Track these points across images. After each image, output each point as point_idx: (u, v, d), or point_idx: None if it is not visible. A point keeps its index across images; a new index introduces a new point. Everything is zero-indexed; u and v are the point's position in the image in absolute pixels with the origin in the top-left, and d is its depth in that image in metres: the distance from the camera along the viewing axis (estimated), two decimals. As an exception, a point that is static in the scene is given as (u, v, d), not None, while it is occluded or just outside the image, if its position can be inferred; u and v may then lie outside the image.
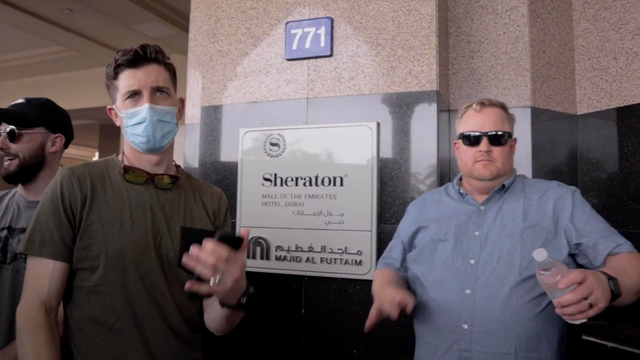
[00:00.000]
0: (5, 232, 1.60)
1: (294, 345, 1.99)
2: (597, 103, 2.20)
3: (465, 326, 1.38)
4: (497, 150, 1.47)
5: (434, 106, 1.91)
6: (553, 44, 2.24)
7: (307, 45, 2.12)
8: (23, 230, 1.57)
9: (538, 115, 2.11)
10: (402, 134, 1.95)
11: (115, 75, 1.29)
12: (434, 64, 1.93)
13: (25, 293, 1.25)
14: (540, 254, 1.09)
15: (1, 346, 1.50)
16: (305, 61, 2.13)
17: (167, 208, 1.31)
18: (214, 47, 2.31)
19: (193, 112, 2.50)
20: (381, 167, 1.96)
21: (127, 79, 1.27)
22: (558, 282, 1.07)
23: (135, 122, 1.27)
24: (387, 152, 1.96)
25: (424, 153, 1.92)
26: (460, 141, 1.54)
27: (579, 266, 1.40)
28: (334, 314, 1.95)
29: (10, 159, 1.61)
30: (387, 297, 1.36)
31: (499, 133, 1.47)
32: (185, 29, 2.54)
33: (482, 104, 1.52)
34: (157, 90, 1.29)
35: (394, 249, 1.64)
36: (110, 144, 14.66)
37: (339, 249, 1.94)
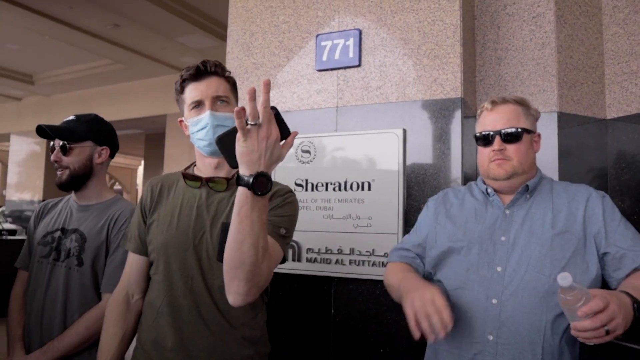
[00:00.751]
0: (59, 233, 1.76)
1: (324, 343, 2.07)
2: (627, 107, 2.20)
3: (491, 337, 1.32)
4: (511, 148, 1.41)
5: (459, 113, 1.96)
6: (581, 49, 2.25)
7: (337, 57, 2.21)
8: (74, 230, 1.74)
9: (566, 120, 2.13)
10: (427, 140, 2.01)
11: (182, 90, 1.45)
12: (458, 72, 1.99)
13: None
14: (565, 279, 1.05)
15: (57, 335, 1.66)
16: (335, 72, 2.23)
17: (215, 207, 1.42)
18: (249, 60, 2.44)
19: (230, 122, 2.63)
20: (407, 172, 2.03)
21: (191, 91, 1.43)
22: (578, 308, 1.05)
23: (198, 128, 1.41)
24: (413, 158, 2.03)
25: (449, 158, 1.97)
26: (477, 143, 1.50)
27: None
28: (362, 314, 2.02)
29: (62, 170, 1.78)
30: (425, 299, 1.22)
31: (512, 130, 1.41)
32: (226, 40, 2.67)
33: (494, 102, 1.47)
34: (217, 99, 1.42)
35: (410, 241, 1.58)
36: (155, 151, 15.16)
37: (367, 251, 2.01)
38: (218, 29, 8.84)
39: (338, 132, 2.18)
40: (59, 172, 1.79)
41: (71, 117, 1.85)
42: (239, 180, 1.05)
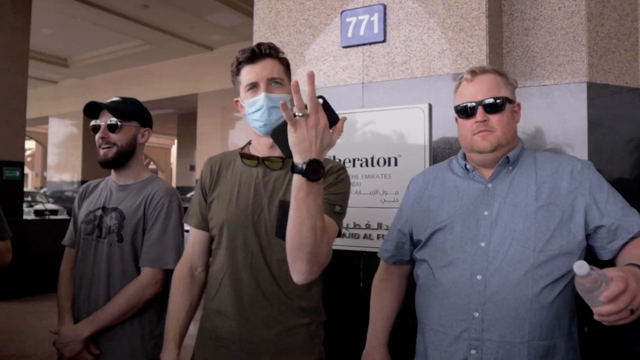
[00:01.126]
0: (100, 212, 1.86)
1: (354, 316, 2.14)
2: (662, 75, 2.15)
3: (476, 314, 1.31)
4: (495, 119, 1.38)
5: (485, 86, 1.95)
6: (613, 16, 2.19)
7: (362, 33, 2.22)
8: (114, 209, 1.84)
9: (596, 90, 2.10)
10: (453, 114, 2.01)
11: (238, 72, 1.53)
12: (484, 45, 1.97)
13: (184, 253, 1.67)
14: (581, 267, 1.01)
15: (102, 306, 1.77)
16: (360, 48, 2.24)
17: (272, 185, 1.50)
18: (275, 39, 2.46)
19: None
20: (433, 147, 2.04)
21: (247, 74, 1.50)
22: (599, 294, 1.02)
23: (254, 109, 1.49)
24: (439, 133, 2.04)
25: (475, 132, 1.97)
26: (457, 115, 1.47)
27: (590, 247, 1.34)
28: (390, 286, 2.06)
29: (108, 147, 1.85)
30: None
31: (495, 100, 1.38)
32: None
33: (474, 72, 1.44)
34: (272, 81, 1.49)
35: (395, 236, 1.62)
36: (187, 129, 15.43)
37: (394, 226, 2.05)
38: (245, 6, 8.84)
39: (364, 108, 2.20)
40: (104, 150, 1.85)
41: (117, 98, 1.93)
42: (293, 168, 1.13)
